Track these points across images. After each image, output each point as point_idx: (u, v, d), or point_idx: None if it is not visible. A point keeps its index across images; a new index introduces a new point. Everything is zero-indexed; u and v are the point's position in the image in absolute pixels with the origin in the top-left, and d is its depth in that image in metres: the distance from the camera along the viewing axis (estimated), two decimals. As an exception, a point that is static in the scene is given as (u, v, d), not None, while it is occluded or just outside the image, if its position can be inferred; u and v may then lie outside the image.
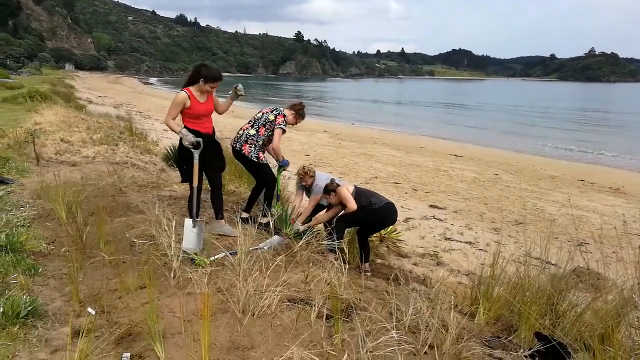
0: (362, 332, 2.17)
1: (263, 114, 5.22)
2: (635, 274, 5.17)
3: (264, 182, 5.19)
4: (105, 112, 18.87)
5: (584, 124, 33.59)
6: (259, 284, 2.77)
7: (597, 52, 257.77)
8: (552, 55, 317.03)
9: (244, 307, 2.53)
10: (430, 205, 9.85)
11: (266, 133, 5.09)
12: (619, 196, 11.97)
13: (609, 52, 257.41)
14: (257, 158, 5.04)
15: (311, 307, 2.61)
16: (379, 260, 5.39)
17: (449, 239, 7.58)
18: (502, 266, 3.32)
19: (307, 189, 5.41)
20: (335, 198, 4.80)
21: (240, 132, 5.16)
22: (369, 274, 4.46)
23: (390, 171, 13.36)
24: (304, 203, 5.55)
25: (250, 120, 5.23)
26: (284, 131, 5.18)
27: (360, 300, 2.84)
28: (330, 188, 4.84)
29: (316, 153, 16.00)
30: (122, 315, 2.49)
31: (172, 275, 2.92)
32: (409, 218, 8.71)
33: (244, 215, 5.06)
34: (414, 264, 5.80)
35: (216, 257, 3.39)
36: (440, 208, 9.69)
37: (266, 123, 5.11)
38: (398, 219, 8.42)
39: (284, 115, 5.21)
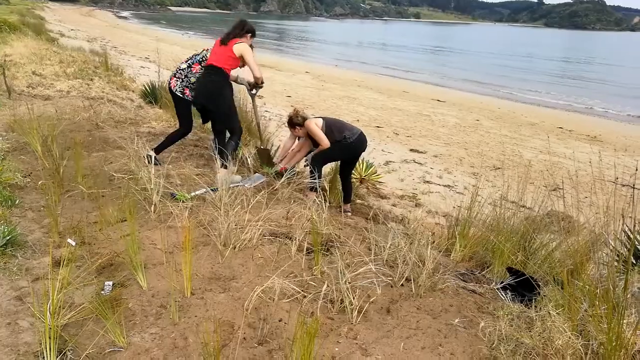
0: (341, 265, 2.23)
1: (203, 50, 4.88)
2: (605, 216, 5.35)
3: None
4: (78, 46, 18.07)
5: (566, 73, 33.59)
6: (240, 219, 2.79)
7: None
8: (540, 1, 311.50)
9: (225, 240, 2.56)
10: (411, 150, 9.91)
11: (200, 72, 4.69)
12: (595, 144, 12.20)
13: (596, 0, 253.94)
14: (182, 93, 4.67)
15: (292, 241, 2.65)
16: (358, 201, 5.45)
17: (428, 182, 7.70)
18: (479, 207, 3.39)
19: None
20: (302, 131, 4.57)
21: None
22: (349, 213, 4.51)
23: (373, 115, 13.30)
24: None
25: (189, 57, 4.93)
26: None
27: (339, 235, 2.89)
28: (296, 121, 4.59)
29: (298, 95, 15.75)
30: (102, 247, 2.50)
31: (152, 209, 2.91)
32: (390, 161, 8.77)
33: (151, 153, 4.46)
34: (393, 205, 5.90)
35: (197, 192, 3.38)
36: (421, 152, 9.76)
37: (202, 61, 4.74)
38: (379, 162, 8.55)
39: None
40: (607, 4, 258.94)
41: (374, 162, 7.83)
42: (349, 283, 2.16)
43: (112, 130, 5.31)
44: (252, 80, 4.77)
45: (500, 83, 24.93)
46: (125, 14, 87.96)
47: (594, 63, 42.63)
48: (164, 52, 20.82)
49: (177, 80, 4.73)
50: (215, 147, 4.39)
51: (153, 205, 2.93)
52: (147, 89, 8.87)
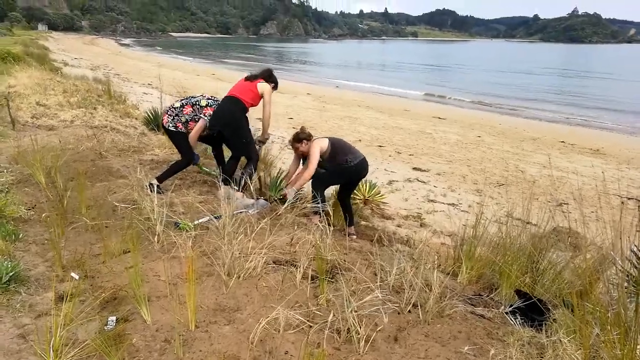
0: (347, 292, 2.20)
1: (200, 95, 4.98)
2: (612, 232, 5.31)
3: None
4: (81, 75, 18.32)
5: (565, 88, 33.73)
6: (244, 246, 2.77)
7: (580, 13, 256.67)
8: (536, 16, 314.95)
9: (229, 269, 2.54)
10: (414, 168, 9.91)
11: (191, 114, 4.74)
12: (598, 157, 12.18)
13: (591, 13, 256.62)
14: (175, 127, 4.71)
15: (296, 268, 2.63)
16: (363, 223, 5.43)
17: (432, 200, 7.67)
18: (485, 226, 3.37)
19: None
20: (306, 147, 4.54)
21: None
22: (354, 236, 4.48)
23: (374, 134, 13.34)
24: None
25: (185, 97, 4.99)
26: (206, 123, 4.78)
27: (345, 261, 2.87)
28: (302, 136, 4.55)
29: (300, 116, 15.85)
30: (106, 280, 2.48)
31: (156, 239, 2.90)
32: (393, 181, 8.76)
33: (154, 182, 4.47)
34: (398, 226, 5.87)
35: (200, 220, 3.38)
36: (424, 170, 9.76)
37: (195, 104, 4.78)
38: (382, 181, 8.55)
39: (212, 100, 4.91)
40: (603, 16, 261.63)
41: (377, 182, 7.83)
42: (355, 312, 2.13)
43: (115, 159, 5.33)
44: (260, 133, 4.89)
45: (500, 99, 25.04)
46: (127, 41, 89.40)
47: (591, 77, 42.79)
48: (166, 78, 21.12)
49: (169, 117, 4.77)
50: (222, 172, 4.46)
51: (156, 236, 2.92)
52: (150, 115, 8.94)
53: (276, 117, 15.11)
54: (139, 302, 2.10)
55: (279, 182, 4.95)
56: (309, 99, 20.96)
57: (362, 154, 4.80)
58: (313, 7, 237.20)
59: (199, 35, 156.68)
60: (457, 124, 16.28)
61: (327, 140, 4.68)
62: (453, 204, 7.68)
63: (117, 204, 3.56)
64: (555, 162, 11.35)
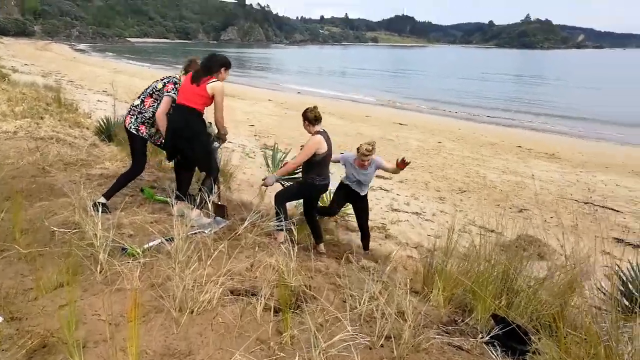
0: (313, 328, 1.98)
1: (153, 82, 4.64)
2: (574, 240, 5.29)
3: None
4: (31, 82, 17.36)
5: (519, 93, 34.77)
6: (199, 275, 2.51)
7: (532, 19, 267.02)
8: (491, 22, 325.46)
9: (180, 304, 2.27)
10: (376, 176, 9.78)
11: (154, 104, 4.47)
12: (554, 161, 12.46)
13: (543, 19, 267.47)
14: (137, 130, 4.41)
15: (257, 299, 2.39)
16: (328, 237, 5.23)
17: (396, 210, 7.56)
18: (454, 241, 3.22)
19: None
20: (310, 128, 4.60)
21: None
22: (324, 254, 4.30)
23: (337, 141, 13.03)
24: None
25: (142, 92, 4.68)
26: (172, 100, 4.48)
27: (310, 287, 2.65)
28: (311, 116, 4.60)
29: (261, 123, 15.57)
30: (35, 323, 2.15)
31: (98, 269, 2.59)
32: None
33: (101, 200, 4.19)
34: (363, 238, 5.69)
35: (150, 244, 3.08)
36: (386, 178, 9.66)
37: (154, 92, 4.50)
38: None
39: (175, 83, 4.57)
40: (554, 23, 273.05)
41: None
42: (324, 351, 1.91)
43: (60, 174, 4.93)
44: (215, 128, 4.51)
45: (459, 104, 25.51)
46: (82, 46, 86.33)
47: (544, 83, 44.36)
48: (122, 85, 20.31)
49: (132, 118, 4.47)
50: (176, 190, 4.13)
51: (99, 265, 2.60)
52: (102, 125, 8.47)
53: (236, 124, 14.83)
54: (71, 350, 1.81)
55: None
56: (270, 105, 20.69)
57: (330, 177, 4.75)
58: (274, 13, 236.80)
59: (158, 40, 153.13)
60: (417, 130, 16.39)
61: (325, 144, 4.51)
62: (417, 213, 7.60)
63: (56, 229, 3.20)
64: (514, 167, 11.53)
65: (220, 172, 5.74)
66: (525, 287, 2.60)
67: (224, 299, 2.39)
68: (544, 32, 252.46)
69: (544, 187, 9.74)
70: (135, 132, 4.41)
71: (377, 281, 2.75)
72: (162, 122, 4.41)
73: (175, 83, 4.53)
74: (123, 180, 4.35)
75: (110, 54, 64.64)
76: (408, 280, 2.54)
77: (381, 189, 8.85)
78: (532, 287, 2.65)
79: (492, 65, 76.12)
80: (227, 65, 4.38)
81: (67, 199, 3.72)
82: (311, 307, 2.38)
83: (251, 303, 2.37)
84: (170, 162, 5.00)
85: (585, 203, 8.67)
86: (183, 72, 4.58)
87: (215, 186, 4.77)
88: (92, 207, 3.48)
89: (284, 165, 4.64)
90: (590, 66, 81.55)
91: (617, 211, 8.12)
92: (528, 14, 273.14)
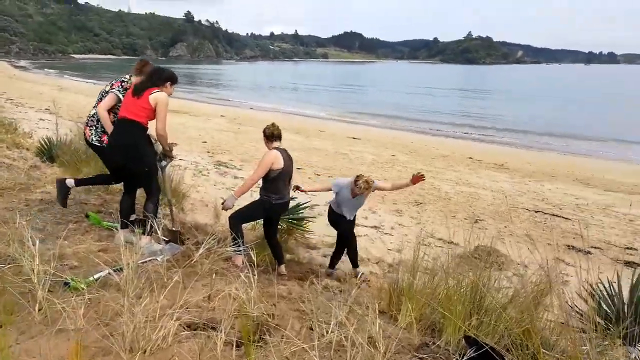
0: (280, 364, 1.82)
1: (102, 89, 4.46)
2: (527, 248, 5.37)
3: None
4: (-37, 101, 16.32)
5: (466, 106, 36.03)
6: (152, 309, 2.30)
7: (474, 36, 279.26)
8: (435, 39, 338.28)
9: (131, 343, 2.05)
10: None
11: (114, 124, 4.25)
12: (504, 172, 12.86)
13: (484, 36, 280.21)
14: (100, 142, 4.20)
15: (217, 332, 2.20)
16: (288, 256, 5.07)
17: (357, 225, 7.49)
18: (419, 257, 3.16)
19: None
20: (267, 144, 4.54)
21: None
22: (286, 277, 4.13)
23: (293, 156, 13.10)
24: None
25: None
26: (117, 99, 4.27)
27: (274, 316, 2.49)
28: (267, 132, 4.55)
29: (214, 139, 15.26)
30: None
31: (36, 307, 2.32)
32: (315, 205, 8.49)
33: (70, 182, 4.29)
34: (324, 256, 5.57)
35: (97, 276, 2.82)
36: (344, 193, 9.61)
37: (103, 96, 4.30)
38: (304, 206, 8.26)
39: (122, 81, 4.38)
40: (494, 40, 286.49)
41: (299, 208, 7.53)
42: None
43: (-6, 200, 4.53)
44: (163, 148, 4.20)
45: (410, 118, 26.11)
46: (23, 63, 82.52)
47: (489, 97, 46.20)
48: (66, 102, 19.44)
49: (91, 130, 4.25)
50: (124, 210, 3.85)
51: (38, 303, 2.34)
52: (44, 145, 7.97)
53: (189, 141, 14.47)
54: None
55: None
56: (223, 121, 20.37)
57: (288, 195, 4.63)
58: (224, 29, 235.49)
59: (103, 57, 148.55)
60: (371, 143, 16.55)
61: (282, 163, 4.39)
62: (376, 227, 7.57)
63: (-13, 264, 2.88)
64: (466, 178, 11.80)
65: (172, 193, 5.49)
66: (494, 305, 2.54)
67: (180, 335, 2.19)
68: (485, 48, 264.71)
69: (496, 197, 9.99)
70: (99, 144, 4.20)
71: (344, 305, 2.63)
72: (104, 117, 4.18)
73: (122, 81, 4.33)
74: (98, 181, 4.17)
75: (53, 70, 62.00)
76: (376, 304, 2.43)
77: (339, 204, 8.78)
78: (501, 304, 2.60)
79: (440, 80, 78.83)
80: (173, 79, 4.16)
81: (3, 229, 3.39)
82: (276, 338, 2.22)
83: (210, 338, 2.18)
84: (118, 185, 4.67)
85: (536, 212, 8.94)
86: (133, 73, 4.36)
87: (167, 209, 4.52)
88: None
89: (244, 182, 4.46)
90: (530, 80, 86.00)
91: (566, 219, 8.40)
92: (470, 32, 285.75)
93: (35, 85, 34.02)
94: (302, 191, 5.32)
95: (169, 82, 4.09)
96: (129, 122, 3.89)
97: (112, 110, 4.23)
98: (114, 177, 4.24)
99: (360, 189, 4.85)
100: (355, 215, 5.35)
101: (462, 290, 2.72)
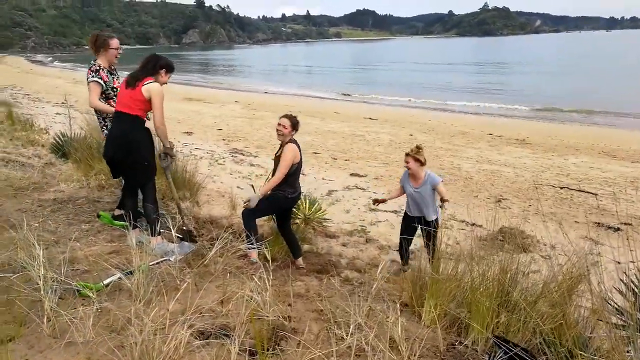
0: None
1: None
2: (560, 229, 5.11)
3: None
4: (-17, 98, 16.50)
5: (483, 80, 35.20)
6: (163, 316, 2.20)
7: (490, 7, 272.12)
8: (450, 12, 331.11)
9: (141, 355, 1.96)
10: (351, 174, 9.59)
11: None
12: (526, 147, 12.48)
13: (500, 7, 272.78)
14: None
15: (231, 340, 2.10)
16: (306, 246, 4.95)
17: (374, 210, 7.33)
18: (444, 253, 3.00)
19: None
20: (286, 133, 4.22)
21: None
22: (304, 270, 4.01)
23: (308, 140, 12.92)
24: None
25: None
26: (99, 85, 4.30)
27: (290, 318, 2.37)
28: (292, 120, 4.28)
29: (229, 126, 15.17)
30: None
31: (45, 319, 2.25)
32: (332, 190, 8.38)
33: (117, 212, 4.29)
34: (343, 245, 5.44)
35: (107, 281, 2.74)
36: (361, 176, 9.46)
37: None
38: (322, 192, 8.12)
39: (91, 67, 4.34)
40: (511, 10, 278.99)
41: (316, 193, 7.40)
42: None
43: (8, 201, 4.50)
44: (163, 145, 3.98)
45: (426, 95, 25.57)
46: (39, 57, 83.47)
47: (504, 70, 45.07)
48: (82, 95, 19.56)
49: (102, 132, 4.34)
50: (130, 212, 3.74)
51: (46, 315, 2.26)
52: (59, 141, 7.96)
53: (204, 129, 14.41)
54: None
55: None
56: (237, 107, 20.25)
57: (300, 187, 4.48)
58: (235, 13, 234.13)
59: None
60: (388, 124, 16.25)
61: (300, 156, 4.26)
62: (395, 211, 7.39)
63: (-5, 273, 2.81)
64: (487, 155, 11.49)
65: (187, 186, 5.40)
66: (523, 300, 2.38)
67: (192, 345, 2.09)
68: (502, 19, 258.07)
69: (519, 174, 9.70)
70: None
71: (364, 301, 2.49)
72: (98, 108, 4.30)
73: (91, 67, 4.36)
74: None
75: (68, 64, 62.49)
76: (397, 304, 2.29)
77: (357, 187, 8.63)
78: (530, 298, 2.44)
79: (455, 54, 77.11)
80: (168, 67, 3.95)
81: (13, 234, 3.33)
82: (292, 344, 2.10)
83: (223, 345, 2.08)
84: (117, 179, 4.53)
85: (561, 188, 8.65)
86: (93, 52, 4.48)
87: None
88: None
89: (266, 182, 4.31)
90: (548, 50, 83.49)
91: (594, 194, 8.11)
92: (486, 2, 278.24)
93: (51, 79, 34.35)
94: (382, 202, 5.24)
95: (163, 70, 3.90)
96: (123, 116, 3.75)
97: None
98: (112, 171, 4.09)
99: (407, 157, 4.68)
100: (431, 219, 4.76)
101: (487, 282, 2.55)
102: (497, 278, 2.56)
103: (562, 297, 2.41)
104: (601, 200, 7.77)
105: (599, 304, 2.23)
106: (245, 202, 4.06)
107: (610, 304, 2.52)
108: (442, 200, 4.67)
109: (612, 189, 8.43)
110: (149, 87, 3.70)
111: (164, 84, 3.90)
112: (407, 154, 4.73)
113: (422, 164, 4.68)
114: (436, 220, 4.78)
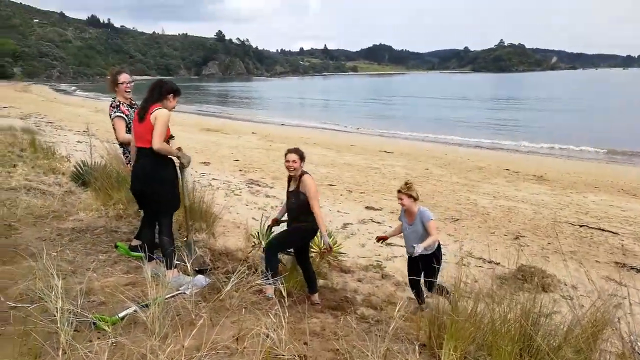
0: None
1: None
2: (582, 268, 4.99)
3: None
4: (8, 125, 16.92)
5: (499, 116, 35.22)
6: (177, 352, 2.17)
7: (506, 44, 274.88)
8: (466, 48, 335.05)
9: (156, 395, 1.93)
10: (367, 207, 9.54)
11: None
12: (544, 184, 12.33)
13: (516, 44, 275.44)
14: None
15: (246, 379, 2.06)
16: (321, 281, 4.90)
17: (389, 244, 7.25)
18: (463, 291, 2.94)
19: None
20: (296, 165, 4.28)
21: None
22: (319, 306, 3.96)
23: (324, 172, 12.97)
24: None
25: None
26: (123, 119, 4.53)
27: (306, 357, 2.33)
28: (292, 150, 4.33)
29: (246, 157, 15.31)
30: None
31: (60, 352, 2.23)
32: (347, 223, 8.33)
33: (134, 242, 4.32)
34: (359, 280, 5.37)
35: (122, 314, 2.73)
36: (377, 209, 9.41)
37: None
38: (337, 225, 8.09)
39: (111, 105, 4.60)
40: (527, 46, 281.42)
41: (332, 226, 7.36)
42: None
43: (28, 230, 4.56)
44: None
45: (442, 129, 25.60)
46: (63, 86, 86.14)
47: (520, 106, 45.09)
48: (103, 124, 19.98)
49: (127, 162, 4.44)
50: (147, 243, 3.76)
51: (61, 348, 2.25)
52: (79, 169, 8.10)
53: (221, 160, 14.56)
54: None
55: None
56: (254, 138, 20.49)
57: None
58: (254, 46, 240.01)
59: (139, 77, 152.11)
60: (403, 157, 16.26)
61: (314, 184, 4.34)
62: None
63: (11, 303, 2.82)
64: (504, 191, 11.37)
65: (203, 217, 5.42)
66: (546, 345, 2.31)
67: (207, 384, 2.06)
68: (518, 55, 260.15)
69: (537, 211, 9.56)
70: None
71: (381, 341, 2.44)
72: (128, 139, 4.40)
73: (112, 104, 4.63)
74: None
75: (91, 93, 64.31)
76: (416, 345, 2.23)
77: (372, 221, 8.57)
78: (554, 343, 2.36)
79: (471, 89, 77.54)
80: (174, 91, 3.94)
81: (32, 263, 3.36)
82: (309, 386, 2.05)
83: (239, 386, 2.04)
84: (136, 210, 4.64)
85: (581, 226, 8.48)
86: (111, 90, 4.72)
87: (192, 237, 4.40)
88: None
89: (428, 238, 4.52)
90: (564, 88, 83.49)
91: (614, 233, 7.93)
92: (502, 39, 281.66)
93: (74, 107, 35.30)
94: (384, 239, 5.24)
95: (171, 95, 3.92)
96: (142, 150, 3.80)
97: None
98: (138, 203, 4.16)
99: (399, 194, 4.67)
100: (423, 253, 4.61)
101: (509, 325, 2.48)
102: (519, 320, 2.49)
103: (587, 343, 2.33)
104: (622, 240, 7.59)
105: (627, 349, 2.15)
106: (323, 246, 4.24)
107: (639, 351, 2.43)
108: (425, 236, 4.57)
109: (633, 228, 8.25)
110: (156, 114, 3.72)
111: (172, 108, 3.94)
112: (398, 191, 4.72)
113: (415, 199, 4.67)
114: (436, 255, 4.70)
